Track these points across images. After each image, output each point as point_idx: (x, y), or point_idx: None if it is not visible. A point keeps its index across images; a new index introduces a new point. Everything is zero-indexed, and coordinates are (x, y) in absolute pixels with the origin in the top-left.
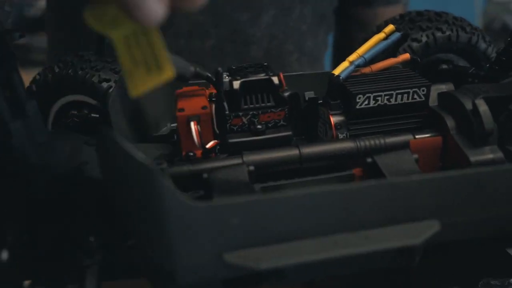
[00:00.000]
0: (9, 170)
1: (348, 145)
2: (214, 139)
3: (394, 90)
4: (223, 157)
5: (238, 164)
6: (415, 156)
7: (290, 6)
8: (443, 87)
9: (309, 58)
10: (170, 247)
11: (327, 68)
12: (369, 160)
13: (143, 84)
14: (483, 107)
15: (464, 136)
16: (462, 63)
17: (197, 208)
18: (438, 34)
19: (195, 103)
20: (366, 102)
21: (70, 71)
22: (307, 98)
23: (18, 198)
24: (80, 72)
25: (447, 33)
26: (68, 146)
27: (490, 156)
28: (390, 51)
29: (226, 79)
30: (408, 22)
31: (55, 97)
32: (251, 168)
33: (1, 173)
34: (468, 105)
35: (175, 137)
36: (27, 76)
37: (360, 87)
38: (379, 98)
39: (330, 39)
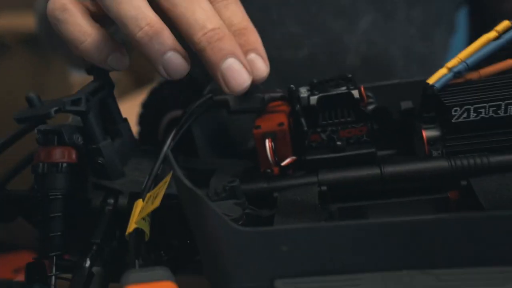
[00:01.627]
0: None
1: (440, 164)
2: (293, 156)
3: (503, 100)
4: (300, 174)
5: (309, 183)
6: None
7: (393, 9)
8: None
9: (422, 65)
10: (219, 269)
11: None
12: (463, 183)
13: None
14: None
15: None
16: None
17: (241, 233)
18: None
19: (272, 120)
20: (465, 115)
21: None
22: (402, 109)
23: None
24: None
25: None
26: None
27: None
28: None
29: (305, 94)
30: None
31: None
32: (323, 188)
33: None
34: None
35: None
36: None
37: (457, 98)
38: (483, 110)
39: (456, 41)
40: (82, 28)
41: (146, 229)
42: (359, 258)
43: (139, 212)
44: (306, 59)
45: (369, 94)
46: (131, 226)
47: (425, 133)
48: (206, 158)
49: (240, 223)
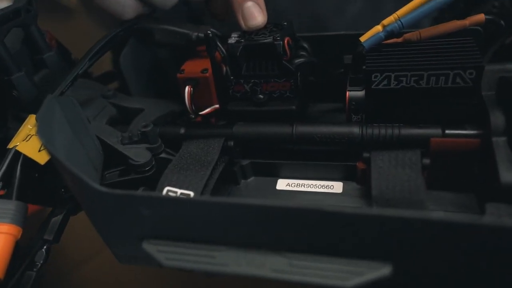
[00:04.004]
0: None
1: (351, 130)
2: (216, 105)
3: (426, 70)
4: (215, 125)
5: (216, 135)
6: (426, 161)
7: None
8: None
9: None
10: (98, 229)
11: None
12: (366, 155)
13: None
14: None
15: (510, 145)
16: None
17: (105, 195)
18: None
19: (198, 65)
20: (384, 83)
21: None
22: (344, 63)
23: None
24: None
25: None
26: (84, 96)
27: None
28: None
29: (233, 40)
30: None
31: None
32: (230, 143)
33: None
34: None
35: None
36: None
37: (379, 63)
38: (404, 79)
39: None
40: None
41: (38, 158)
42: (217, 231)
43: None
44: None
45: (305, 45)
46: (13, 142)
47: (348, 95)
48: (137, 95)
49: (147, 168)
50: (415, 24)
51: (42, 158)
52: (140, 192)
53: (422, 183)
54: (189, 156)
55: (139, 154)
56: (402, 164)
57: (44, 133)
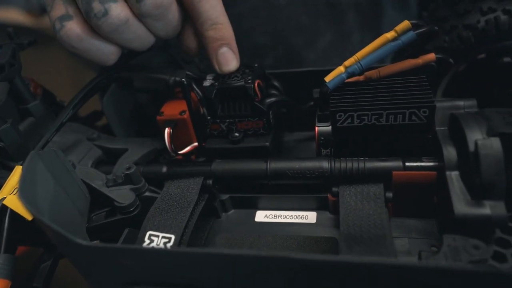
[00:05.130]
0: None
1: (320, 165)
2: (195, 143)
3: (385, 110)
4: (200, 161)
5: (196, 174)
6: (388, 194)
7: (349, 32)
8: (461, 105)
9: None
10: (84, 276)
11: None
12: (334, 189)
13: None
14: (487, 150)
15: (462, 179)
16: None
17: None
18: (504, 17)
19: (175, 107)
20: (348, 121)
21: None
22: (314, 97)
23: None
24: None
25: None
26: (71, 141)
27: (486, 211)
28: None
29: (208, 83)
30: (468, 3)
31: None
32: (209, 182)
33: None
34: (472, 143)
35: None
36: None
37: (343, 103)
38: (365, 118)
39: None
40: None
41: (25, 213)
42: (198, 278)
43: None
44: (271, 67)
45: (276, 84)
46: (1, 194)
47: (317, 130)
48: (121, 136)
49: (132, 209)
50: (373, 64)
51: (28, 213)
52: (119, 245)
53: (386, 216)
54: (169, 198)
55: (123, 195)
56: (367, 198)
57: (26, 193)
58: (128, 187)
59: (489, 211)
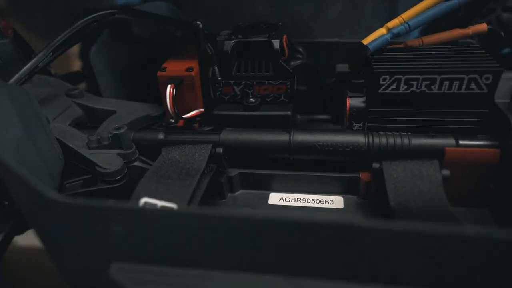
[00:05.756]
0: None
1: (356, 139)
2: (201, 108)
3: (439, 73)
4: (206, 130)
5: (202, 142)
6: (445, 172)
7: (360, 2)
8: None
9: None
10: (50, 251)
11: None
12: (376, 165)
13: None
14: None
15: None
16: None
17: (64, 206)
18: None
19: (182, 63)
20: (393, 86)
21: None
22: (337, 72)
23: None
24: None
25: None
26: (45, 94)
27: None
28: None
29: (223, 37)
30: None
31: None
32: (218, 150)
33: None
34: None
35: None
36: None
37: (388, 65)
38: (415, 83)
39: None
40: None
41: None
42: (207, 252)
43: None
44: None
45: (300, 49)
46: None
47: (349, 102)
48: (109, 97)
49: (118, 177)
50: (424, 26)
51: None
52: (112, 203)
53: (444, 196)
54: (170, 163)
55: (108, 160)
56: (420, 176)
57: None
58: (115, 151)
59: None
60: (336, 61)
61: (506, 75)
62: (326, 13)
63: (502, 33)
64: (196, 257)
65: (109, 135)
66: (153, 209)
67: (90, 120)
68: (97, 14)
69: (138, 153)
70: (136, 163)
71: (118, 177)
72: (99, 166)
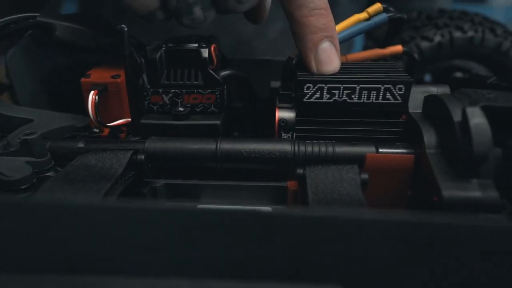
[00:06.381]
0: None
1: (282, 147)
2: (128, 118)
3: (358, 83)
4: (133, 140)
5: (121, 149)
6: (364, 176)
7: None
8: (434, 90)
9: None
10: None
11: None
12: (300, 171)
13: None
14: (477, 119)
15: (444, 159)
16: (483, 73)
17: None
18: (457, 34)
19: (108, 71)
20: (317, 95)
21: None
22: (271, 87)
23: None
24: None
25: (469, 34)
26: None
27: (476, 193)
28: (384, 41)
29: (152, 46)
30: (425, 19)
31: None
32: (140, 157)
33: None
34: (457, 115)
35: None
36: None
37: (312, 74)
38: (336, 92)
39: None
40: None
41: None
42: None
43: None
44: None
45: (234, 61)
46: None
47: (278, 112)
48: (28, 106)
49: (23, 186)
50: (343, 42)
51: None
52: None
53: (362, 198)
54: (83, 167)
55: (14, 167)
56: (340, 179)
57: None
58: (24, 159)
59: (480, 193)
60: (274, 79)
61: (419, 88)
62: (267, 32)
63: (416, 55)
64: (98, 259)
65: (18, 140)
66: (51, 201)
67: (2, 130)
68: (16, 16)
69: (53, 162)
70: (51, 173)
71: (24, 186)
72: (2, 174)
